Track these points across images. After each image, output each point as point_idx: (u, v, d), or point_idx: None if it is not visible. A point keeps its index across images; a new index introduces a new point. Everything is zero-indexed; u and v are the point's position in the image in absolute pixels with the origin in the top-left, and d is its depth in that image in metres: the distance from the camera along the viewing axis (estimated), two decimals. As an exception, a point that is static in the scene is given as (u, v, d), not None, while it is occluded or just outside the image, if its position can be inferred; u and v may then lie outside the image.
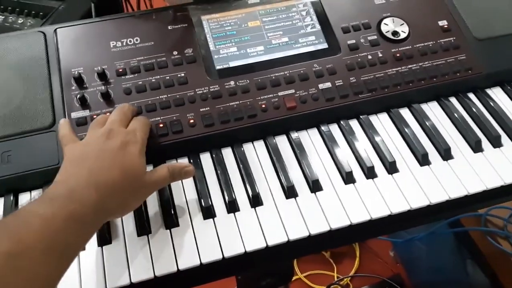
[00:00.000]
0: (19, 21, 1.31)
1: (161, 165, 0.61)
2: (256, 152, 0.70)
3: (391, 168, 0.67)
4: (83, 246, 0.59)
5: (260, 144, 0.71)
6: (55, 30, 0.75)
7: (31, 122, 0.68)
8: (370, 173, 0.66)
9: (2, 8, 1.32)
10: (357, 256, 1.56)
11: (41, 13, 1.29)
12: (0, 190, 0.65)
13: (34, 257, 0.45)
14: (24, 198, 0.65)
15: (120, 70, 0.71)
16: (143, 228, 0.61)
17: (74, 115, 0.68)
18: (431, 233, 1.34)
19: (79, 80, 0.70)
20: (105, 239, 0.60)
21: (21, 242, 0.44)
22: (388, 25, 0.77)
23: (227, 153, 0.70)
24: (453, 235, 1.33)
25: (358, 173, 0.67)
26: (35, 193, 0.66)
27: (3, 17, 1.32)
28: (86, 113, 0.68)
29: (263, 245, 0.60)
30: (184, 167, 0.63)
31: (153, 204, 0.64)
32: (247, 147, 0.70)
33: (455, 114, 0.73)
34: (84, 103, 0.69)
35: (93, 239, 0.60)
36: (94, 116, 0.67)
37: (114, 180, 0.54)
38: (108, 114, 0.64)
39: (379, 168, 0.67)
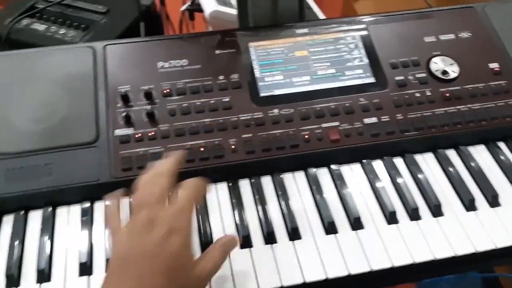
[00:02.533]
0: (61, 32, 1.33)
1: (210, 249, 0.54)
2: (296, 183, 0.69)
3: (436, 211, 0.64)
4: None
5: (300, 175, 0.70)
6: (104, 47, 0.76)
7: (74, 136, 0.68)
8: (414, 214, 0.64)
9: (45, 17, 1.35)
10: (379, 293, 1.51)
11: (82, 25, 1.31)
12: (39, 202, 0.65)
13: None
14: (62, 212, 0.65)
15: (166, 91, 0.72)
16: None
17: (118, 132, 0.68)
18: (459, 277, 1.30)
19: (125, 98, 0.70)
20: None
21: None
22: (438, 64, 0.76)
23: (267, 182, 0.69)
24: (482, 280, 1.29)
25: (401, 214, 0.64)
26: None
27: (45, 26, 1.34)
28: (130, 131, 0.68)
29: (301, 281, 0.58)
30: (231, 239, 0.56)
31: (190, 229, 0.63)
32: (287, 177, 0.69)
33: (504, 160, 0.70)
34: (128, 121, 0.69)
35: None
36: (138, 135, 0.67)
37: (160, 286, 0.48)
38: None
39: (424, 210, 0.65)
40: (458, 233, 0.62)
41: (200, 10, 1.28)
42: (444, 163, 0.70)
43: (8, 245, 0.61)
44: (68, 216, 0.65)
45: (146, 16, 1.27)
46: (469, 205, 0.65)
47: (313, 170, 0.69)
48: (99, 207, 0.66)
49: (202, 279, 0.51)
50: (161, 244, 0.49)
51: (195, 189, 0.54)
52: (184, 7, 1.26)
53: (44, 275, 0.58)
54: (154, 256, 0.48)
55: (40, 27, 1.34)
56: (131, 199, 0.55)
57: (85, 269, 0.59)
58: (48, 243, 0.62)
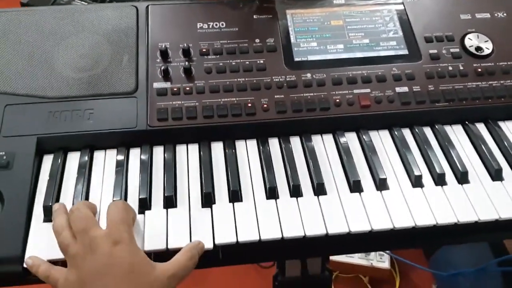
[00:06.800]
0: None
1: (177, 253, 0.56)
2: (324, 145, 0.70)
3: (462, 178, 0.65)
4: None
5: (329, 138, 0.71)
6: (147, 7, 0.79)
7: (115, 86, 0.71)
8: (440, 180, 0.65)
9: (85, -4, 1.40)
10: (397, 286, 1.51)
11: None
12: (78, 144, 0.68)
13: None
14: (99, 156, 0.68)
15: (204, 50, 0.74)
16: (208, 199, 0.63)
17: (156, 85, 0.71)
18: (478, 270, 1.28)
19: (164, 54, 0.73)
20: (171, 202, 0.62)
21: None
22: (472, 40, 0.76)
23: (296, 142, 0.71)
24: (502, 275, 1.27)
25: (427, 179, 0.65)
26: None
27: (86, 3, 1.40)
28: (167, 84, 0.71)
29: (323, 232, 0.60)
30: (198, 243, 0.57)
31: (218, 177, 0.66)
32: (316, 139, 0.71)
33: (533, 136, 0.71)
34: (166, 75, 0.72)
35: (159, 201, 0.62)
36: (174, 89, 0.70)
37: None
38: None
39: (450, 177, 0.66)
40: (483, 200, 0.63)
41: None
42: (473, 135, 0.71)
43: (47, 182, 0.65)
44: (104, 160, 0.68)
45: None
46: (496, 175, 0.65)
47: (343, 135, 0.70)
48: (135, 154, 0.69)
49: (166, 280, 0.53)
50: (110, 256, 0.51)
51: (120, 207, 0.57)
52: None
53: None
54: (109, 268, 0.51)
55: (80, 3, 1.39)
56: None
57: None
58: (84, 183, 0.65)
